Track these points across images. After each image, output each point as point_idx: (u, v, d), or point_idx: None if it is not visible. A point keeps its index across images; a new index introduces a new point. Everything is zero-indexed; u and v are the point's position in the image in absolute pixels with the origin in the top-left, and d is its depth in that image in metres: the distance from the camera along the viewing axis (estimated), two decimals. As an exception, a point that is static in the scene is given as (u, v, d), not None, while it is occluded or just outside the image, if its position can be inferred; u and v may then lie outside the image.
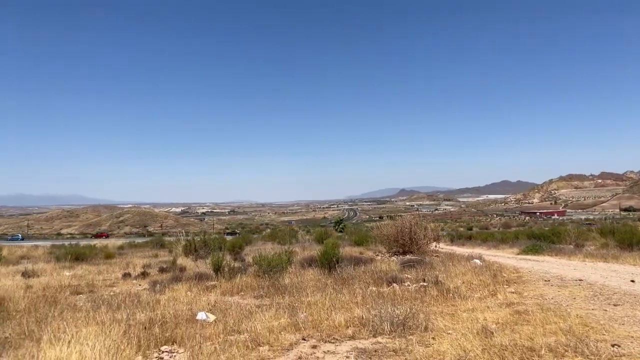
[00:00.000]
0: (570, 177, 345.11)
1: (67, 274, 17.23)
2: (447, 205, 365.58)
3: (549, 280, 10.91)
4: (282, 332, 6.40)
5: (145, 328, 6.57)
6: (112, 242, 46.11)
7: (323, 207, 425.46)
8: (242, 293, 10.67)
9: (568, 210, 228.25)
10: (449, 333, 5.97)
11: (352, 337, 6.13)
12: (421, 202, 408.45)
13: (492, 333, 5.74)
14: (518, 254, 22.32)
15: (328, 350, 5.63)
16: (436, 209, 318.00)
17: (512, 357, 4.89)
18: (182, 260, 19.82)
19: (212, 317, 7.47)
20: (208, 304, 8.94)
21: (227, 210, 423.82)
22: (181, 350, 5.76)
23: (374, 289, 9.66)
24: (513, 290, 9.46)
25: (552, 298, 8.53)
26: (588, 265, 14.50)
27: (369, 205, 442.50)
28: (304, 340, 6.10)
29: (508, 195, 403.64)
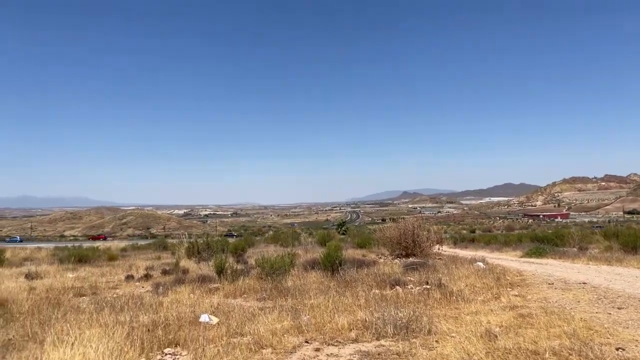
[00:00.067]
0: (574, 180, 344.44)
1: (71, 275, 17.25)
2: (450, 207, 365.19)
3: (552, 284, 10.86)
4: (285, 335, 6.39)
5: (148, 330, 6.58)
6: (115, 244, 46.20)
7: (325, 210, 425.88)
8: (245, 295, 10.66)
9: (571, 213, 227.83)
10: (453, 336, 5.95)
11: (355, 340, 6.12)
12: (424, 205, 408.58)
13: (496, 336, 5.72)
14: (521, 257, 22.24)
15: (331, 353, 5.62)
16: (439, 212, 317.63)
17: (516, 360, 4.88)
18: (184, 263, 19.82)
19: (215, 320, 7.46)
20: (211, 306, 8.94)
21: (229, 213, 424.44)
22: (184, 353, 5.76)
23: (377, 291, 9.64)
24: (517, 294, 9.43)
25: (556, 301, 8.49)
26: (592, 268, 14.43)
27: (372, 207, 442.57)
28: (307, 343, 6.09)
29: (511, 198, 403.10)
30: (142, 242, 51.97)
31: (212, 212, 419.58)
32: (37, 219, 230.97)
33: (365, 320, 6.76)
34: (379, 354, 5.43)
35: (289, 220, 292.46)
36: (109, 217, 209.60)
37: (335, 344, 6.01)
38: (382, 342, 5.95)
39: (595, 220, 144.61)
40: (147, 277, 15.74)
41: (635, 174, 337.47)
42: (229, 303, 9.44)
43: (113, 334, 5.95)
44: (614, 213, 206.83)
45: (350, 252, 20.36)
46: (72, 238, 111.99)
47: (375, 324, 6.41)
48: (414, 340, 5.86)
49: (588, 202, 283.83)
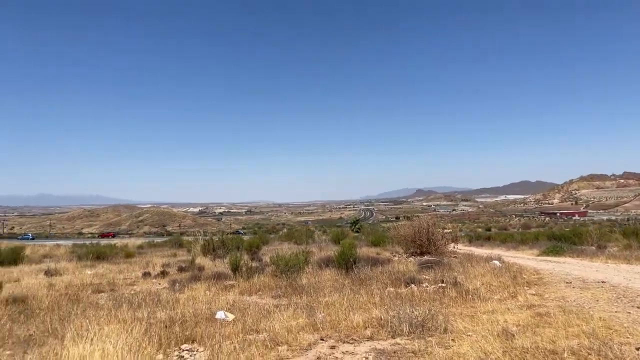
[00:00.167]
0: (592, 177, 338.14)
1: (89, 272, 17.52)
2: (464, 205, 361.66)
3: (570, 282, 10.72)
4: (301, 332, 6.42)
5: (165, 326, 6.66)
6: (132, 242, 46.73)
7: (339, 208, 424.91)
8: (260, 293, 10.72)
9: (589, 211, 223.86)
10: (469, 335, 5.91)
11: (371, 338, 6.11)
12: (438, 203, 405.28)
13: (513, 335, 5.67)
14: (538, 256, 21.98)
15: (347, 351, 5.63)
16: (454, 210, 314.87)
17: None
18: (200, 260, 20.01)
19: (231, 317, 7.52)
20: (227, 303, 9.01)
21: (244, 210, 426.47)
22: (201, 349, 5.82)
23: (391, 289, 9.62)
24: (534, 292, 9.32)
25: (574, 300, 8.38)
26: (611, 267, 14.20)
27: (386, 205, 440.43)
28: (323, 340, 6.11)
29: (527, 196, 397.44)
30: (158, 240, 52.52)
31: (226, 210, 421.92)
32: (56, 217, 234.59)
33: (381, 318, 6.75)
34: (394, 352, 5.42)
35: (302, 218, 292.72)
36: (125, 214, 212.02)
37: (351, 341, 6.01)
38: (398, 340, 5.94)
39: (613, 218, 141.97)
40: (163, 274, 15.91)
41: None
42: (245, 300, 9.51)
43: (131, 330, 6.03)
44: (633, 211, 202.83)
45: (364, 250, 20.32)
46: (89, 235, 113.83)
47: (391, 322, 6.40)
48: (430, 338, 5.83)
49: (606, 199, 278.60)
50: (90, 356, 5.00)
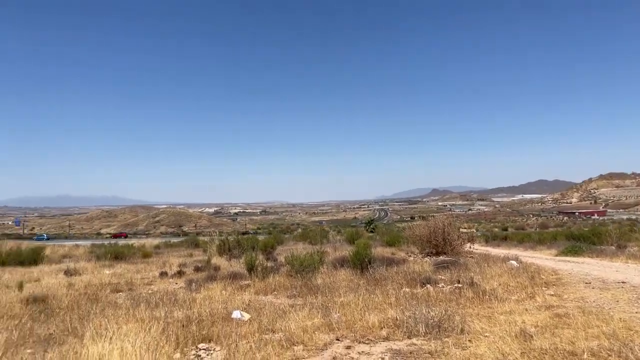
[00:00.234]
0: (611, 176, 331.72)
1: (107, 272, 17.77)
2: (480, 205, 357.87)
3: (589, 283, 10.55)
4: (316, 332, 6.43)
5: (182, 326, 6.73)
6: (149, 242, 47.23)
7: (354, 208, 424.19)
8: (276, 292, 10.77)
9: (609, 210, 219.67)
10: (486, 336, 5.86)
11: (387, 338, 6.10)
12: (454, 202, 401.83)
13: (532, 336, 5.59)
14: (556, 256, 21.66)
15: (362, 351, 5.62)
16: (469, 209, 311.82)
17: (553, 361, 4.76)
18: (216, 260, 20.17)
19: (246, 316, 7.57)
20: (242, 303, 9.07)
21: (258, 211, 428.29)
22: (218, 348, 5.87)
23: (407, 290, 9.57)
24: (552, 293, 9.20)
25: (593, 301, 8.25)
26: (631, 267, 13.94)
27: (400, 205, 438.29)
28: (338, 340, 6.11)
29: (545, 195, 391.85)
30: (174, 240, 53.01)
31: (241, 210, 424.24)
32: (75, 217, 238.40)
33: (396, 319, 6.73)
34: (410, 353, 5.39)
35: (317, 218, 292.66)
36: (142, 215, 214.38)
37: (367, 341, 6.00)
38: (414, 340, 5.91)
39: (634, 217, 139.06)
40: (180, 273, 16.07)
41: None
42: (260, 300, 9.56)
43: (149, 329, 6.11)
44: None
45: (379, 250, 20.27)
46: (108, 235, 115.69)
47: (407, 323, 6.37)
48: (447, 339, 5.79)
49: (626, 198, 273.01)
50: (109, 355, 5.07)
